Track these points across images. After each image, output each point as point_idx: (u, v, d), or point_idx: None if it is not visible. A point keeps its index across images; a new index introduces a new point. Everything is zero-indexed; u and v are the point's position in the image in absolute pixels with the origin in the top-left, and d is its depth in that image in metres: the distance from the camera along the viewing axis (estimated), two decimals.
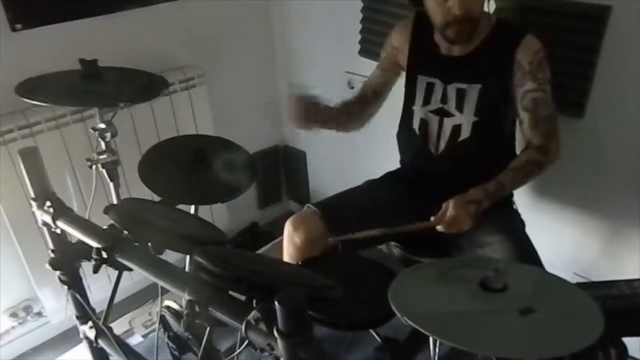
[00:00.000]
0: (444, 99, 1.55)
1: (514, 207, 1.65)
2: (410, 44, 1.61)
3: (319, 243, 1.58)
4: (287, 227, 1.62)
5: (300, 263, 1.59)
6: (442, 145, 1.58)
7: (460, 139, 1.55)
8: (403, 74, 1.67)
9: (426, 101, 1.58)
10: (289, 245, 1.62)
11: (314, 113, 1.49)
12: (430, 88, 1.57)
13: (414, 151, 1.69)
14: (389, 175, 1.78)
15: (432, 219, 1.40)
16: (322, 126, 1.56)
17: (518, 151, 1.58)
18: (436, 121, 1.57)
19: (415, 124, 1.62)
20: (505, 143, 1.62)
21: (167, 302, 1.69)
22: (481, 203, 1.39)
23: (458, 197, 1.39)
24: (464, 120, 1.53)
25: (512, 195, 1.64)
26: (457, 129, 1.55)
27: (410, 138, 1.66)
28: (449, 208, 1.38)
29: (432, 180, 1.61)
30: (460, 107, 1.53)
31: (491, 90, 1.49)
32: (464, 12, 1.38)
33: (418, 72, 1.59)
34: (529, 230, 1.56)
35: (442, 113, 1.56)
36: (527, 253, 1.45)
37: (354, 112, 1.66)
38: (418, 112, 1.61)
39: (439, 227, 1.40)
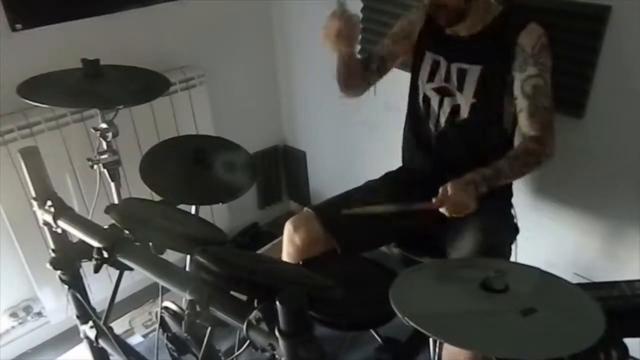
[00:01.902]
0: (447, 78, 1.57)
1: (512, 213, 1.63)
2: (423, 22, 1.64)
3: (318, 244, 1.60)
4: (288, 228, 1.64)
5: (301, 263, 1.60)
6: (442, 123, 1.60)
7: (459, 119, 1.57)
8: (409, 53, 1.69)
9: (430, 78, 1.61)
10: (289, 245, 1.64)
11: (355, 29, 1.54)
12: (435, 65, 1.60)
13: (416, 127, 1.70)
14: (389, 175, 1.79)
15: (433, 200, 1.38)
16: (350, 56, 1.61)
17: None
18: (437, 99, 1.60)
19: (419, 100, 1.65)
20: (504, 130, 1.60)
21: (166, 303, 1.70)
22: (479, 185, 1.38)
23: (455, 179, 1.38)
24: (463, 101, 1.55)
25: (511, 199, 1.64)
26: (456, 108, 1.57)
27: (414, 113, 1.69)
28: (448, 189, 1.37)
29: (431, 173, 1.61)
30: (460, 87, 1.55)
31: (491, 72, 1.50)
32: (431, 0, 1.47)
33: (426, 48, 1.62)
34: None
35: (444, 92, 1.58)
36: (489, 249, 1.42)
37: (358, 71, 1.69)
38: (422, 87, 1.64)
39: (442, 210, 1.38)
